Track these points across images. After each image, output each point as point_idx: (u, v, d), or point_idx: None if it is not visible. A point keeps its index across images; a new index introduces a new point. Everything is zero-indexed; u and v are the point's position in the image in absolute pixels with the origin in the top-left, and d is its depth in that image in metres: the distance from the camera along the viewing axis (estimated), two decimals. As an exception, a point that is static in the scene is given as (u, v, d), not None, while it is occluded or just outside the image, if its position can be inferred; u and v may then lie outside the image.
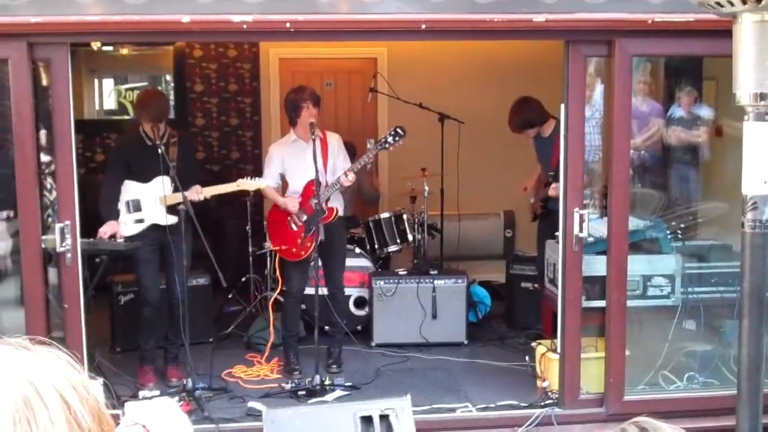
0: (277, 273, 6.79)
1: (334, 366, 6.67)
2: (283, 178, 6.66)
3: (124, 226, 6.18)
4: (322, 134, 6.51)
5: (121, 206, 6.23)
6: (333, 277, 6.71)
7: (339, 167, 6.52)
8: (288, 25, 5.01)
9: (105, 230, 6.11)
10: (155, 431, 1.25)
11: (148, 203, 6.25)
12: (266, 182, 6.44)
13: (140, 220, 6.25)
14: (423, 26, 5.10)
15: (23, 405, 0.90)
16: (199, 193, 6.15)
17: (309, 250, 6.42)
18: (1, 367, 0.93)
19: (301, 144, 6.46)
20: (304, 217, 6.47)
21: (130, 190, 6.25)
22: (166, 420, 1.26)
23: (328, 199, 6.46)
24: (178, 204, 6.07)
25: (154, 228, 6.23)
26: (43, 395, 0.92)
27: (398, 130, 6.44)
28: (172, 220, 6.17)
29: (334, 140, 6.63)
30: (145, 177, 6.23)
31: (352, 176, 6.38)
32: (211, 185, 6.35)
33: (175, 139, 6.29)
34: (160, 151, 6.00)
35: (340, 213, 6.63)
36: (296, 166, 6.50)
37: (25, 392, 0.91)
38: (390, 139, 6.42)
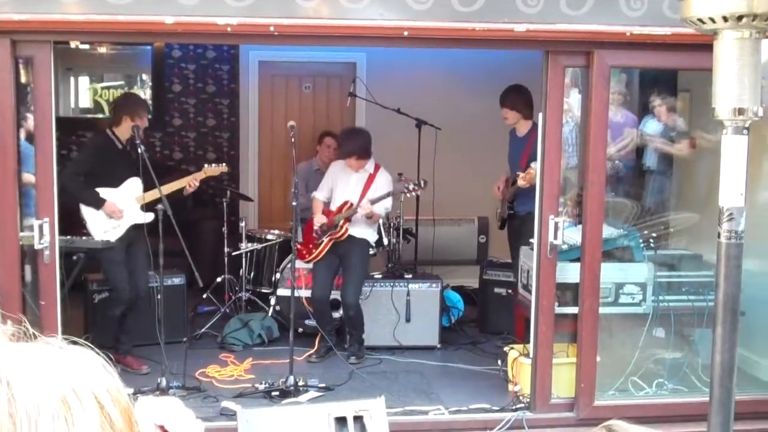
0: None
1: (353, 358, 6.97)
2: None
3: (107, 233, 6.22)
4: (374, 168, 7.04)
5: (100, 214, 6.25)
6: (345, 288, 7.06)
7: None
8: (272, 28, 5.04)
9: (114, 210, 6.24)
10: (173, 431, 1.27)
11: (125, 206, 6.30)
12: (314, 193, 7.23)
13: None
14: (405, 33, 5.15)
15: (61, 403, 0.93)
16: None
17: (311, 256, 7.07)
18: (43, 365, 0.97)
19: (348, 170, 7.06)
20: (322, 226, 7.02)
21: (105, 196, 6.27)
22: (182, 420, 1.29)
23: (349, 219, 6.95)
24: (156, 202, 6.13)
25: (131, 228, 6.33)
26: (80, 396, 0.95)
27: (422, 182, 6.97)
28: (150, 217, 6.23)
29: (383, 179, 7.03)
30: (114, 181, 6.30)
31: (364, 211, 6.81)
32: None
33: (138, 141, 6.29)
34: (140, 150, 6.08)
35: (359, 236, 7.04)
36: (340, 188, 7.10)
37: (63, 391, 0.94)
38: (412, 186, 6.92)
